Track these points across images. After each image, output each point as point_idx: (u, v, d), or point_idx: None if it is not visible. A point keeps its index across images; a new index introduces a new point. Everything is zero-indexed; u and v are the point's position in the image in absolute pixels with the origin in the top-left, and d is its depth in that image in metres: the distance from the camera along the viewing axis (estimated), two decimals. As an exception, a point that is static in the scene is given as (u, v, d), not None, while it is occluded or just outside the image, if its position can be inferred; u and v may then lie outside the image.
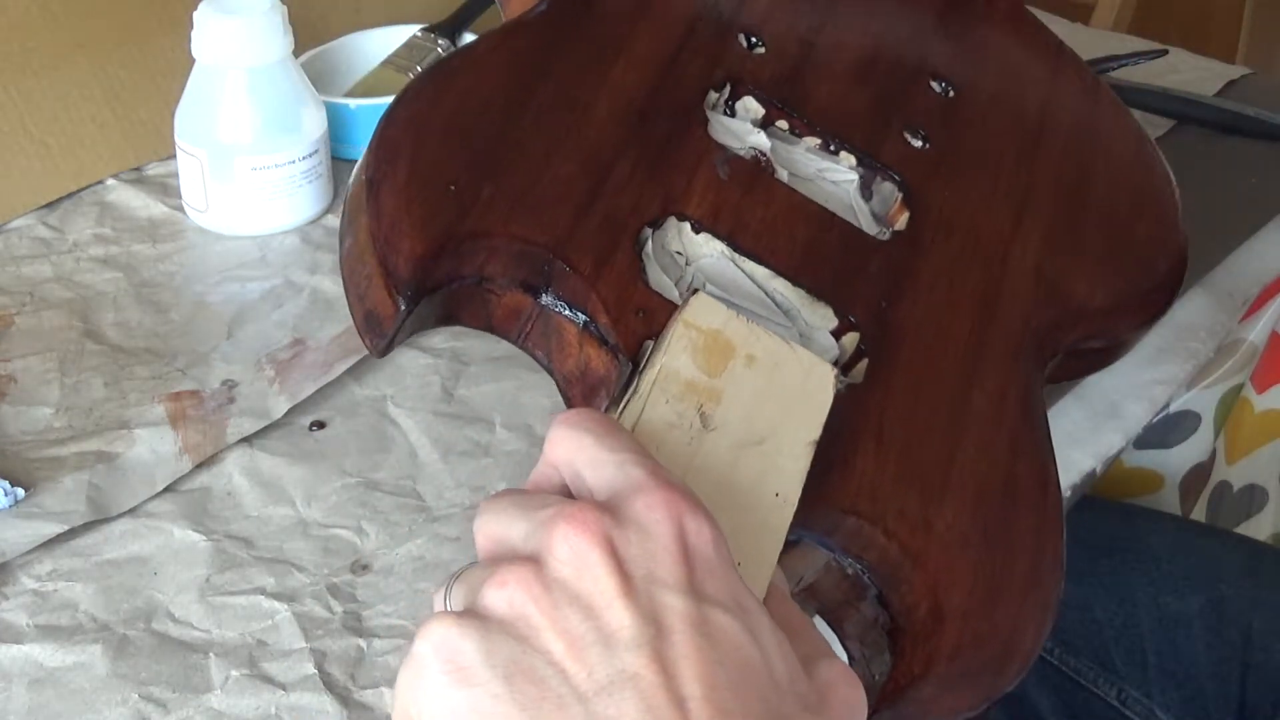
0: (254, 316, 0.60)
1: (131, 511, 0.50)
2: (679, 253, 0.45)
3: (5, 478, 0.50)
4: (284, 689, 0.44)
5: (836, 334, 0.45)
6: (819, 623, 0.42)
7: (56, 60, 0.69)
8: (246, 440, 0.54)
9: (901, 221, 0.50)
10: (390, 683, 0.44)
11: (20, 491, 0.50)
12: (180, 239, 0.65)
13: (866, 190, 0.51)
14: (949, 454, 0.42)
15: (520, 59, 0.47)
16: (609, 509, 0.33)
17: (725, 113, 0.50)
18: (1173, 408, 0.85)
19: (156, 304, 0.61)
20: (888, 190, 0.51)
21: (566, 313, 0.42)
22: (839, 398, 0.42)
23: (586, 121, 0.46)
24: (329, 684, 0.45)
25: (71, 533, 0.49)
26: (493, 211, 0.42)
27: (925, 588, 0.40)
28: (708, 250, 0.45)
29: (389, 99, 0.71)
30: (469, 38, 0.78)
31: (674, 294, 0.43)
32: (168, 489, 0.51)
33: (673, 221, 0.45)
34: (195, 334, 0.59)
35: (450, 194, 0.42)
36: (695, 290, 0.42)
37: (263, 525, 0.50)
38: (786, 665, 0.32)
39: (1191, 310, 0.70)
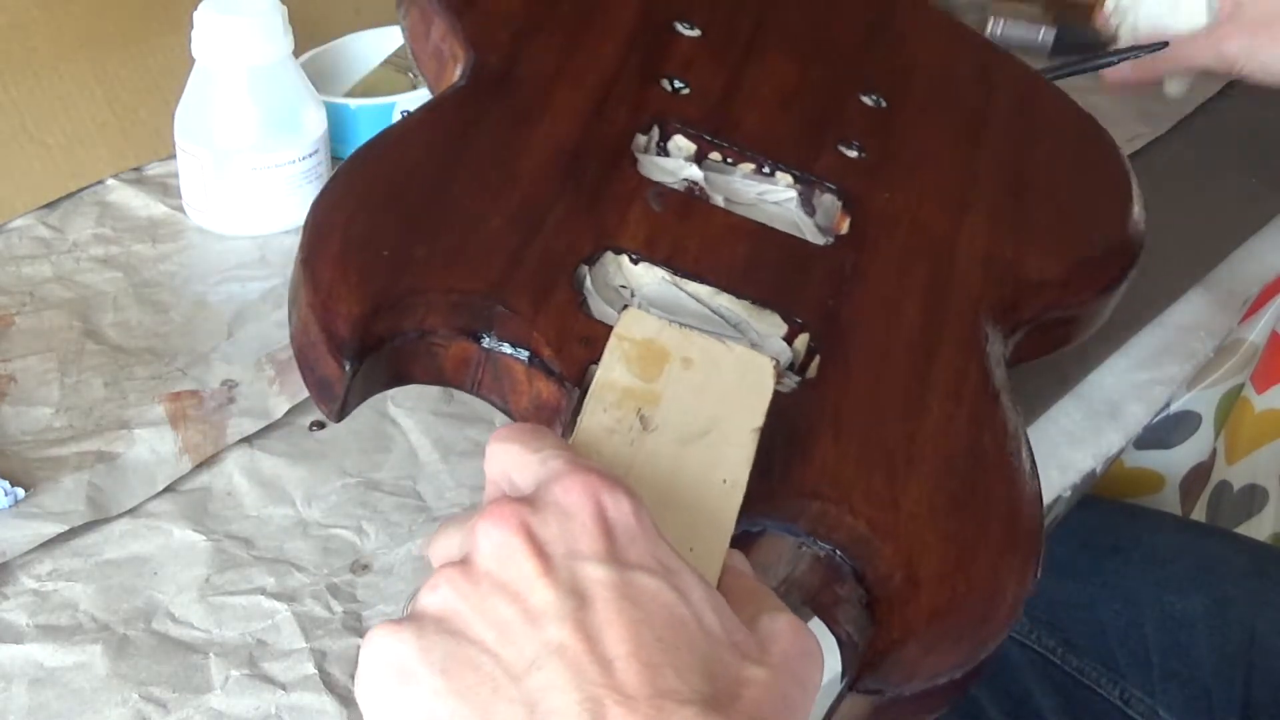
0: (254, 316, 0.60)
1: (131, 511, 0.50)
2: (623, 286, 0.46)
3: (5, 478, 0.50)
4: (284, 689, 0.44)
5: (788, 339, 0.46)
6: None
7: (56, 60, 0.68)
8: (246, 440, 0.54)
9: (844, 228, 0.51)
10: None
11: (20, 491, 0.50)
12: (180, 239, 0.65)
13: (808, 205, 0.52)
14: (910, 434, 0.44)
15: (445, 130, 0.49)
16: (528, 500, 0.34)
17: (658, 153, 0.52)
18: (1173, 408, 0.86)
19: (156, 304, 0.61)
20: (829, 202, 0.52)
21: (510, 352, 0.43)
22: (793, 395, 0.44)
23: (515, 177, 0.47)
24: (329, 684, 0.44)
25: (71, 533, 0.49)
26: (428, 269, 0.43)
27: (898, 558, 0.41)
28: (649, 279, 0.46)
29: (389, 99, 0.72)
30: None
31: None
32: (168, 489, 0.51)
33: (609, 256, 0.46)
34: (195, 334, 0.59)
35: (384, 258, 0.43)
36: (625, 306, 0.44)
37: (263, 525, 0.50)
38: (720, 618, 0.34)
39: (1191, 310, 0.70)
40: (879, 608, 0.41)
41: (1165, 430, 0.87)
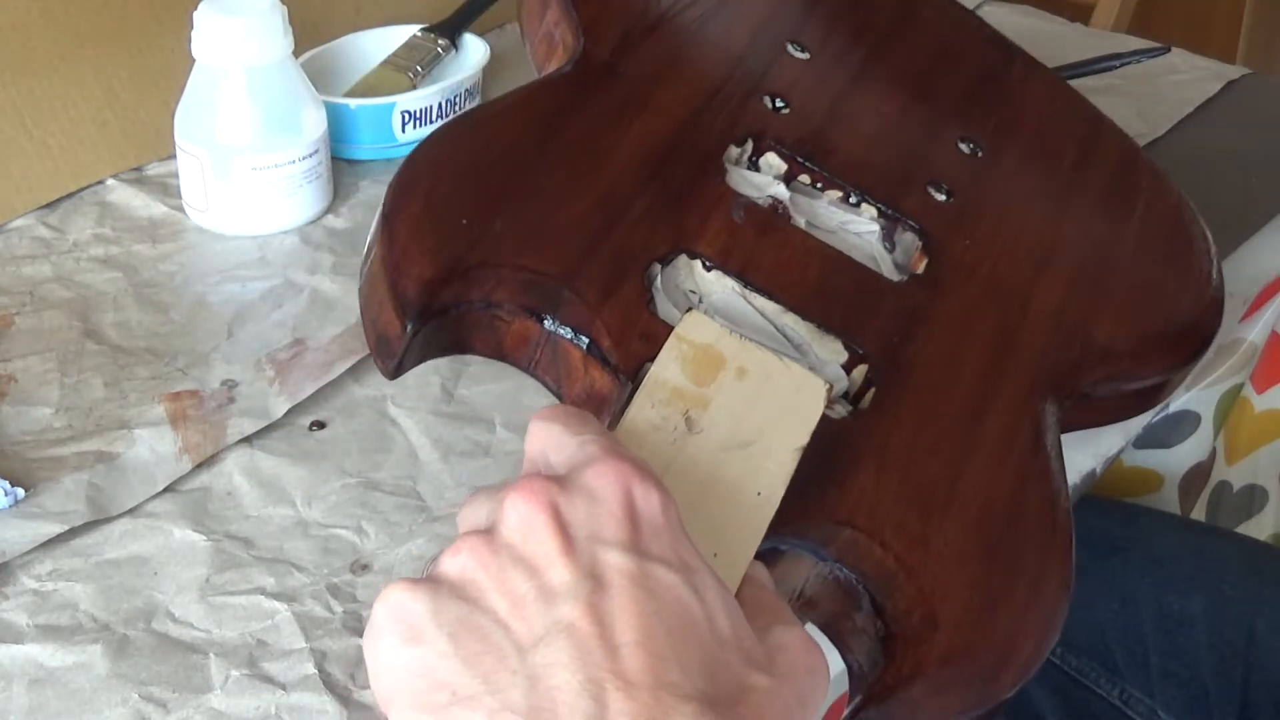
0: (254, 316, 0.60)
1: (131, 511, 0.50)
2: (692, 291, 0.46)
3: (5, 478, 0.50)
4: (284, 689, 0.44)
5: (847, 367, 0.46)
6: (822, 639, 0.42)
7: (56, 60, 0.68)
8: (246, 440, 0.54)
9: (921, 268, 0.51)
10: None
11: (20, 491, 0.50)
12: (180, 239, 0.65)
13: (889, 240, 0.52)
14: (953, 478, 0.44)
15: (542, 112, 0.50)
16: (560, 480, 0.35)
17: (749, 167, 0.52)
18: (1172, 407, 0.85)
19: (156, 304, 0.61)
20: (909, 240, 0.53)
21: (570, 337, 0.44)
22: (843, 423, 0.44)
23: (604, 168, 0.48)
24: (329, 684, 0.44)
25: (71, 533, 0.49)
26: (503, 243, 0.44)
27: (919, 597, 0.41)
28: (719, 287, 0.47)
29: (389, 99, 0.72)
30: (469, 38, 0.78)
31: None
32: (168, 489, 0.51)
33: (683, 259, 0.47)
34: (195, 334, 0.59)
35: (462, 226, 0.44)
36: (690, 309, 0.44)
37: (263, 525, 0.50)
38: (732, 622, 0.34)
39: (1192, 310, 0.70)
40: (893, 644, 0.41)
41: (1164, 430, 0.87)
